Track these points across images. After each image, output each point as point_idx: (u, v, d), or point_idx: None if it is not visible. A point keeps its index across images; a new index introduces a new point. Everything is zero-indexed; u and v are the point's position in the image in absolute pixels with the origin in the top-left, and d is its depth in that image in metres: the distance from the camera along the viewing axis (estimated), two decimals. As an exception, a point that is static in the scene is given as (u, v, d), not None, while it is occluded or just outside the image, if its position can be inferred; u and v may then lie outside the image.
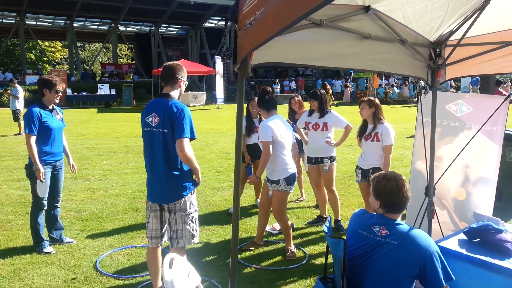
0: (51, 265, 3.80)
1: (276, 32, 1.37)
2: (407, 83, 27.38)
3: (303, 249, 4.22)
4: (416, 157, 4.05)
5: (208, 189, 6.41)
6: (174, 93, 3.02)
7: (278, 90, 27.48)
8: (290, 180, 3.88)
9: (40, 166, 3.87)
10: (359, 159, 4.28)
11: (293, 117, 5.44)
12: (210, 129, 13.75)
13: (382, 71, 3.00)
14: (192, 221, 3.04)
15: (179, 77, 3.03)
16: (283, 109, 4.88)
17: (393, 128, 4.11)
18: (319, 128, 4.70)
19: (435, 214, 3.50)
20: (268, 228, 4.68)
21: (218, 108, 23.05)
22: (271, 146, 3.78)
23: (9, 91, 12.47)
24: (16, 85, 12.28)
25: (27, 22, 30.06)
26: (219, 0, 29.65)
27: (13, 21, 30.04)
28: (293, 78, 32.43)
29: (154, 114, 2.95)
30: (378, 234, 2.23)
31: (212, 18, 33.88)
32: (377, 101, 4.14)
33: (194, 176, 3.03)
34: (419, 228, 3.17)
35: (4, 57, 37.88)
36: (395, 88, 27.99)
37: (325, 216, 4.92)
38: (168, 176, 2.95)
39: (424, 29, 2.91)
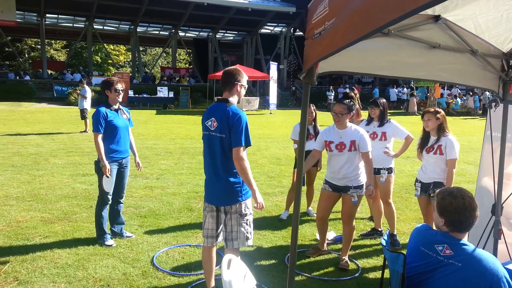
0: (112, 258, 4.02)
1: (347, 43, 1.38)
2: (471, 94, 25.94)
3: (356, 261, 4.14)
4: (483, 173, 3.83)
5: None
6: (233, 99, 3.09)
7: (332, 97, 27.16)
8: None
9: (106, 162, 4.12)
10: (419, 172, 4.12)
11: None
12: (263, 134, 13.87)
13: (450, 82, 2.89)
14: (247, 224, 3.09)
15: (236, 82, 3.08)
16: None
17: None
18: (377, 137, 4.59)
19: (502, 234, 3.29)
20: (319, 237, 4.63)
21: (270, 113, 23.20)
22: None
23: (78, 91, 13.35)
24: (85, 85, 13.11)
25: (95, 27, 32.09)
26: (275, 7, 29.97)
27: (83, 26, 32.22)
28: (347, 86, 31.87)
29: (213, 118, 3.03)
30: (441, 253, 2.13)
31: (268, 24, 34.25)
32: (442, 112, 3.97)
33: (254, 201, 3.04)
34: (483, 248, 3.00)
35: (73, 59, 40.70)
36: (458, 99, 26.59)
37: (379, 229, 4.79)
38: (225, 180, 3.02)
39: (497, 39, 2.77)
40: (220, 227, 3.19)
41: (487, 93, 24.67)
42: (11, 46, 34.84)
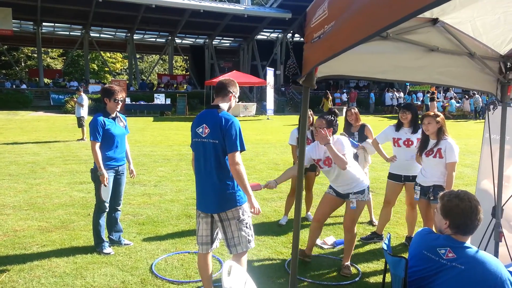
0: (110, 266, 3.98)
1: (347, 46, 1.37)
2: (467, 97, 26.05)
3: (356, 266, 4.11)
4: (482, 175, 3.83)
5: (258, 199, 6.37)
6: (224, 105, 3.12)
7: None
8: (368, 188, 3.95)
9: (104, 171, 4.09)
10: (418, 176, 4.11)
11: (349, 130, 5.35)
12: (260, 140, 13.86)
13: (449, 85, 2.89)
14: (247, 227, 3.08)
15: (231, 91, 3.15)
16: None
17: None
18: (412, 144, 4.41)
19: (502, 237, 3.28)
20: (319, 242, 4.61)
21: (268, 119, 23.21)
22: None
23: (75, 99, 13.32)
24: (82, 93, 13.08)
25: (91, 35, 32.12)
26: (271, 13, 30.13)
27: (79, 34, 32.26)
28: (344, 90, 31.96)
29: (204, 125, 3.03)
30: (443, 257, 2.11)
31: (264, 30, 34.41)
32: (442, 116, 3.97)
33: (249, 206, 3.02)
34: (484, 250, 2.99)
35: (70, 67, 40.69)
36: (453, 100, 26.57)
37: (380, 234, 4.76)
38: (220, 186, 3.00)
39: (494, 42, 2.77)
40: (215, 233, 3.17)
41: (478, 96, 24.77)
42: (8, 55, 34.79)
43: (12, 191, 6.61)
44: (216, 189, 3.00)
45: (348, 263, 3.95)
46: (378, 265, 4.13)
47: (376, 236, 4.75)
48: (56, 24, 31.61)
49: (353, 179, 3.82)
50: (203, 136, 3.02)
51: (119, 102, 4.28)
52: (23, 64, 40.99)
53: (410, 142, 4.46)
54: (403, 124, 4.56)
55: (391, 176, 4.66)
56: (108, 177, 4.17)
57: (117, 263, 4.05)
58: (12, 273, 3.76)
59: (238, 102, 25.80)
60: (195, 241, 4.54)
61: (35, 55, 35.38)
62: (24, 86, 28.08)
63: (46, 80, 30.50)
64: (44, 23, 30.32)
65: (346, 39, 1.37)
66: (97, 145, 4.12)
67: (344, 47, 1.40)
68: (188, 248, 4.46)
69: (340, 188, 3.90)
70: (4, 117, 20.54)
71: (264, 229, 5.12)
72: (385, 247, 2.40)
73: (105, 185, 4.11)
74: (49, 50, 40.29)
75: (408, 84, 27.70)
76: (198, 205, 3.16)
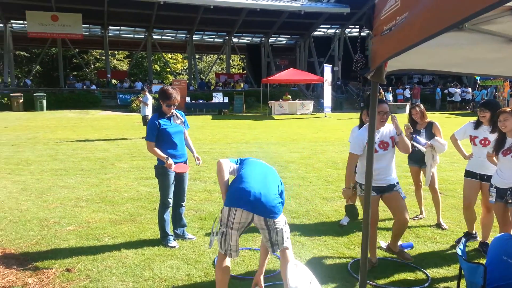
0: (175, 259, 4.13)
1: (423, 39, 1.30)
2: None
3: (425, 271, 3.91)
4: None
5: (317, 199, 6.36)
6: None
7: (391, 99, 26.23)
8: None
9: (166, 157, 4.30)
10: (495, 177, 3.81)
11: (414, 127, 5.12)
12: (318, 138, 13.68)
13: (532, 78, 2.65)
14: (287, 224, 3.12)
15: None
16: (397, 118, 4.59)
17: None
18: (490, 144, 4.17)
19: None
20: (383, 244, 4.44)
21: (325, 116, 22.86)
22: None
23: (140, 98, 14.00)
24: (147, 93, 13.69)
25: (154, 37, 33.54)
26: (329, 8, 29.59)
27: (143, 36, 33.83)
28: (407, 86, 30.59)
29: None
30: None
31: (321, 26, 33.89)
32: None
33: None
34: None
35: (134, 68, 42.83)
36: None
37: (471, 232, 4.55)
38: (278, 192, 3.09)
39: None
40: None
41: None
42: (78, 57, 37.36)
43: (85, 185, 7.10)
44: (276, 194, 3.04)
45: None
46: (449, 271, 3.90)
47: (471, 236, 4.50)
48: (121, 28, 33.44)
49: (394, 169, 3.91)
50: None
51: (172, 107, 4.41)
52: (92, 66, 43.84)
53: (487, 142, 4.24)
54: (483, 122, 4.34)
55: (467, 174, 4.46)
56: (169, 173, 4.34)
57: (182, 256, 4.20)
58: (86, 262, 4.03)
59: (295, 100, 25.70)
60: (256, 238, 4.61)
61: (103, 57, 37.67)
62: (93, 87, 30.02)
63: (113, 81, 32.37)
64: (110, 27, 32.19)
65: (421, 31, 1.30)
66: (153, 144, 4.33)
67: (418, 39, 1.32)
68: (249, 244, 4.51)
69: (383, 181, 3.83)
70: (76, 116, 22.13)
71: (325, 228, 5.04)
72: (459, 252, 2.27)
73: (171, 164, 4.30)
74: (116, 52, 42.71)
75: (478, 78, 25.88)
76: (243, 203, 2.96)
